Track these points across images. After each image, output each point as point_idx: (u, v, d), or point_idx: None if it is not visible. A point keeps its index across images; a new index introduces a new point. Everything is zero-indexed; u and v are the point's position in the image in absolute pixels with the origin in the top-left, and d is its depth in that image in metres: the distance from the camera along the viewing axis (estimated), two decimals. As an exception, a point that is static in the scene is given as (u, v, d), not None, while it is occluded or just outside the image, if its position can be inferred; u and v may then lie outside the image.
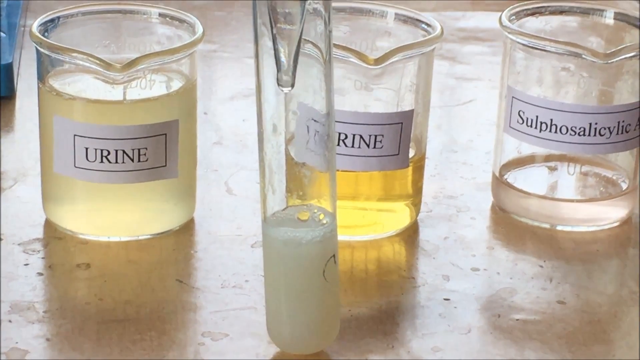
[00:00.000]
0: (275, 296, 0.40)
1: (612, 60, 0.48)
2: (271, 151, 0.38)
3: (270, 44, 0.37)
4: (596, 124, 0.49)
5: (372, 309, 0.45)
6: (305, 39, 0.37)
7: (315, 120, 0.38)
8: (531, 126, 0.49)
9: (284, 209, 0.39)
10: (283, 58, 0.37)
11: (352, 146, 0.47)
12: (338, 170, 0.44)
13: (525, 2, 0.52)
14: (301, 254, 0.39)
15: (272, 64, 0.37)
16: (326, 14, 0.36)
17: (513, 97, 0.50)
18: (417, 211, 0.51)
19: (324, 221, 0.39)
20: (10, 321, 0.42)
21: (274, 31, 0.37)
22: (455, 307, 0.45)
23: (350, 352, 0.42)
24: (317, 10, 0.36)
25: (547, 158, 0.52)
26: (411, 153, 0.48)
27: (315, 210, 0.39)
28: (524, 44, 0.49)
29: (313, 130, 0.39)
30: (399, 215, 0.50)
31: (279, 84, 0.37)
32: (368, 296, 0.46)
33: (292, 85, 0.37)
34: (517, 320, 0.44)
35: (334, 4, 0.48)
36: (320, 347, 0.41)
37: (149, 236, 0.48)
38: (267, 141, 0.38)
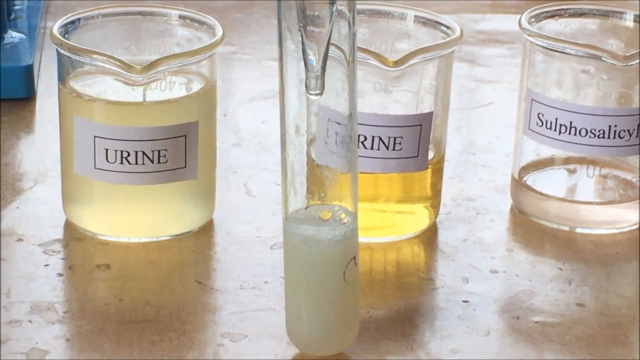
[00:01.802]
0: (295, 297, 0.40)
1: (631, 63, 0.48)
2: (293, 152, 0.38)
3: (293, 46, 0.37)
4: (615, 126, 0.49)
5: (391, 311, 0.45)
6: (330, 42, 0.37)
7: (337, 122, 0.38)
8: (550, 128, 0.49)
9: (305, 208, 0.39)
10: (313, 61, 0.37)
11: (372, 148, 0.47)
12: (361, 173, 0.45)
13: (545, 5, 0.52)
14: (321, 253, 0.39)
15: (295, 66, 0.37)
16: (350, 16, 0.36)
17: (532, 99, 0.50)
18: (436, 213, 0.51)
19: (345, 220, 0.39)
20: (30, 321, 0.42)
21: (303, 35, 0.37)
22: (474, 309, 0.45)
23: (369, 354, 0.42)
24: (341, 12, 0.36)
25: (567, 160, 0.52)
26: (430, 155, 0.48)
27: (337, 209, 0.39)
28: (543, 47, 0.50)
29: (334, 132, 0.39)
30: (418, 217, 0.50)
31: (308, 90, 0.37)
32: (387, 298, 0.46)
33: (322, 90, 0.37)
34: (536, 322, 0.44)
35: (364, 2, 0.49)
36: (340, 349, 0.41)
37: (168, 237, 0.48)
38: (289, 142, 0.38)
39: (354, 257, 0.40)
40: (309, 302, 0.40)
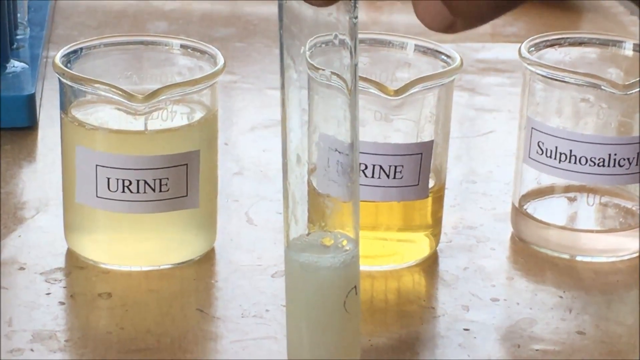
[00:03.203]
0: (296, 325, 0.40)
1: (631, 92, 0.48)
2: (295, 182, 0.38)
3: (295, 75, 0.37)
4: (615, 154, 0.49)
5: (392, 339, 0.45)
6: (332, 72, 0.37)
7: (338, 151, 0.38)
8: (550, 157, 0.50)
9: (307, 235, 0.39)
10: None
11: (372, 176, 0.47)
12: (362, 201, 0.45)
13: (545, 34, 0.52)
14: (321, 280, 0.39)
15: (297, 95, 0.37)
16: (352, 45, 0.37)
17: (532, 128, 0.50)
18: (437, 241, 0.51)
19: (347, 248, 0.39)
20: (32, 350, 0.42)
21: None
22: (474, 338, 0.45)
23: (370, 382, 0.42)
24: (343, 41, 0.36)
25: (567, 189, 0.52)
26: (431, 183, 0.48)
27: (339, 237, 0.39)
28: (543, 75, 0.50)
29: (336, 161, 0.39)
30: (418, 246, 0.50)
31: None
32: (388, 326, 0.46)
33: None
34: (537, 350, 0.44)
35: (364, 34, 0.49)
36: None
37: (169, 266, 0.48)
38: (290, 172, 0.38)
39: (355, 287, 0.40)
40: (310, 330, 0.40)
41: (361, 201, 0.46)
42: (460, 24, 0.30)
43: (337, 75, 0.37)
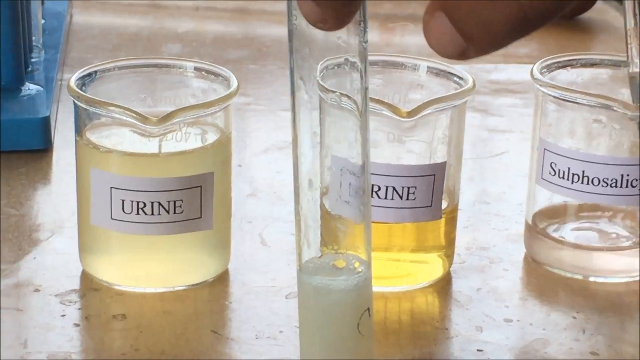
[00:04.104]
0: (310, 347, 0.41)
1: (643, 112, 0.49)
2: (307, 206, 0.38)
3: (306, 97, 0.37)
4: (628, 175, 0.49)
5: (410, 357, 0.45)
6: (341, 92, 0.37)
7: (350, 173, 0.38)
8: (563, 178, 0.50)
9: (319, 257, 0.39)
10: None
11: (385, 198, 0.47)
12: (374, 223, 0.45)
13: (557, 55, 0.52)
14: (334, 302, 0.39)
15: (308, 116, 0.37)
16: (362, 67, 0.37)
17: (545, 149, 0.50)
18: (450, 262, 0.51)
19: (359, 270, 0.39)
20: (47, 371, 0.43)
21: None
22: (488, 359, 0.45)
23: (384, 403, 0.42)
24: (354, 63, 0.36)
25: (579, 209, 0.52)
26: (444, 205, 0.48)
27: (351, 259, 0.39)
28: (555, 97, 0.50)
29: (348, 183, 0.39)
30: (432, 267, 0.50)
31: None
32: (401, 347, 0.46)
33: None
34: (551, 371, 0.44)
35: (369, 58, 0.49)
36: None
37: (184, 287, 0.48)
38: (302, 196, 0.38)
39: (368, 309, 0.40)
40: (324, 353, 0.40)
41: (374, 222, 0.46)
42: (473, 50, 0.29)
43: (348, 97, 0.37)
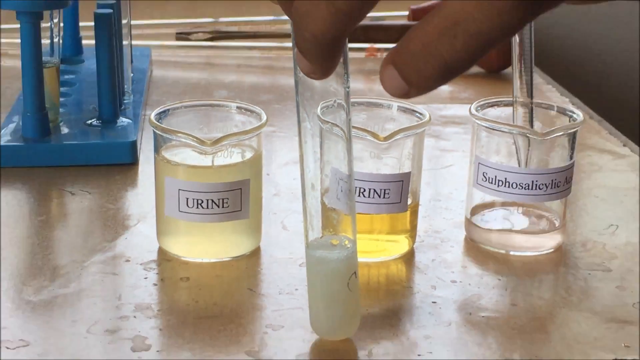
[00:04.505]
0: (315, 301, 0.41)
1: (547, 138, 0.49)
2: (311, 202, 0.39)
3: (309, 125, 0.37)
4: (537, 181, 0.49)
5: (382, 309, 0.45)
6: (333, 123, 0.37)
7: (340, 179, 0.39)
8: (491, 183, 0.50)
9: (320, 237, 0.39)
10: None
11: (368, 197, 0.47)
12: (358, 213, 0.45)
13: (487, 98, 0.52)
14: (331, 268, 0.39)
15: (311, 140, 0.38)
16: (347, 106, 0.37)
17: (479, 163, 0.50)
18: (414, 241, 0.51)
19: (348, 245, 0.39)
20: (135, 317, 0.43)
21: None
22: (440, 308, 0.45)
23: (367, 339, 0.42)
24: (340, 104, 0.37)
25: (503, 204, 0.52)
26: (409, 201, 0.49)
27: (342, 238, 0.39)
28: (486, 127, 0.50)
29: (339, 186, 0.39)
30: (400, 244, 0.50)
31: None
32: (379, 300, 0.46)
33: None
34: (483, 316, 0.44)
35: (357, 99, 0.49)
36: (346, 335, 0.41)
37: (229, 258, 0.49)
38: (308, 195, 0.39)
39: (355, 272, 0.40)
40: (324, 304, 0.40)
41: (360, 214, 0.47)
42: (413, 91, 0.29)
43: (338, 127, 0.37)
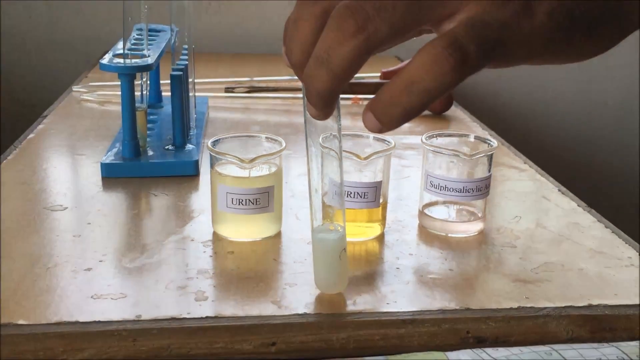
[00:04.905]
0: (317, 267, 0.41)
1: (474, 157, 0.49)
2: (315, 201, 0.39)
3: (314, 150, 0.37)
4: (466, 187, 0.49)
5: (363, 273, 0.45)
6: (330, 148, 0.37)
7: (335, 186, 0.39)
8: (436, 188, 0.50)
9: (322, 225, 0.39)
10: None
11: (354, 197, 0.48)
12: (347, 209, 0.45)
13: (433, 131, 0.52)
14: (328, 245, 0.39)
15: (315, 160, 0.38)
16: (339, 137, 0.37)
17: (427, 174, 0.50)
18: (384, 227, 0.51)
19: (340, 230, 0.39)
20: (197, 278, 0.43)
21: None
22: (401, 272, 0.45)
23: (353, 293, 0.42)
24: (335, 135, 0.37)
25: (444, 202, 0.52)
26: (381, 200, 0.49)
27: (336, 225, 0.40)
28: (432, 150, 0.50)
29: (334, 190, 0.39)
30: (374, 229, 0.50)
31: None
32: (361, 267, 0.46)
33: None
34: (430, 278, 0.44)
35: (346, 133, 0.49)
36: (340, 290, 0.41)
37: (260, 239, 0.49)
38: (313, 196, 0.39)
39: (344, 248, 0.40)
40: (324, 269, 0.40)
41: (348, 209, 0.46)
42: (385, 128, 0.30)
43: (334, 150, 0.37)
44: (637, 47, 1.21)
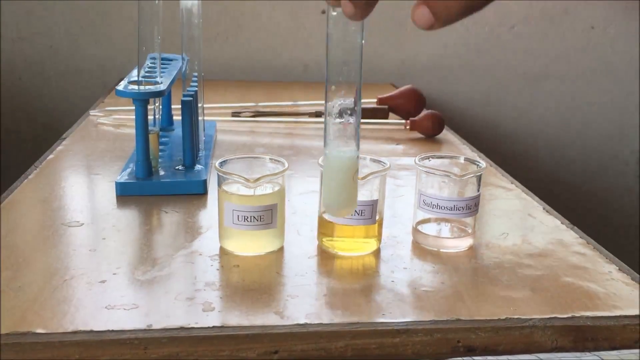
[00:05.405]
0: (329, 188, 0.38)
1: (464, 178, 0.49)
2: (329, 124, 0.36)
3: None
4: (457, 205, 0.49)
5: (360, 286, 0.45)
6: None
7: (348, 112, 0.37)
8: (429, 206, 0.50)
9: (335, 144, 0.37)
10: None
11: (352, 215, 0.48)
12: (345, 225, 0.45)
13: (425, 153, 0.53)
14: (343, 163, 0.37)
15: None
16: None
17: (420, 193, 0.50)
18: (380, 242, 0.51)
19: (354, 150, 0.37)
20: (204, 289, 0.43)
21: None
22: (396, 285, 0.45)
23: (349, 304, 0.42)
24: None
25: (436, 220, 0.52)
26: (377, 217, 0.49)
27: (351, 146, 0.37)
28: (425, 170, 0.50)
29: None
30: (371, 245, 0.50)
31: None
32: (359, 279, 0.46)
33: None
34: (423, 290, 0.44)
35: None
36: (348, 213, 0.39)
37: (264, 253, 0.49)
38: (327, 117, 0.36)
39: (357, 171, 0.37)
40: (336, 189, 0.37)
41: (345, 225, 0.46)
42: (437, 24, 0.26)
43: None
44: (617, 76, 1.22)
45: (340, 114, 0.36)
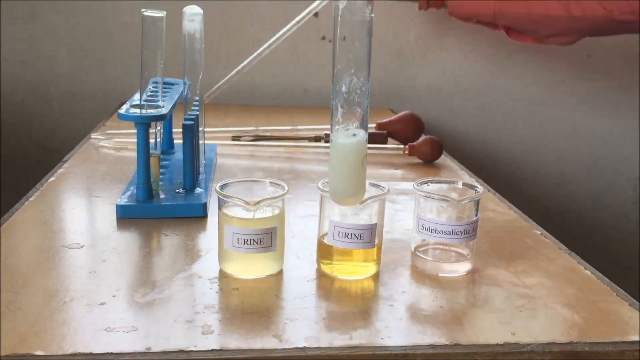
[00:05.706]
0: (336, 175, 0.37)
1: (461, 202, 0.49)
2: (335, 104, 0.36)
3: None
4: (455, 229, 0.49)
5: (359, 309, 0.45)
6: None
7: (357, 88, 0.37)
8: (427, 230, 0.50)
9: (341, 128, 0.37)
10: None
11: (351, 238, 0.48)
12: (344, 248, 0.45)
13: (423, 178, 0.53)
14: (352, 148, 0.36)
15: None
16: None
17: (419, 218, 0.51)
18: (378, 266, 0.51)
19: (362, 134, 0.37)
20: (204, 312, 0.43)
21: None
22: (395, 308, 0.45)
23: (348, 328, 0.41)
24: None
25: (434, 244, 0.52)
26: (375, 241, 0.49)
27: (358, 131, 0.37)
28: (423, 195, 0.51)
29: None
30: (370, 268, 0.50)
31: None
32: (357, 303, 0.46)
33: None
34: (422, 314, 0.44)
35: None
36: (357, 202, 0.39)
37: (263, 276, 0.49)
38: (335, 99, 0.36)
39: (365, 155, 0.37)
40: (344, 174, 0.37)
41: (344, 249, 0.47)
42: None
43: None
44: (607, 101, 1.23)
45: (349, 94, 0.35)
